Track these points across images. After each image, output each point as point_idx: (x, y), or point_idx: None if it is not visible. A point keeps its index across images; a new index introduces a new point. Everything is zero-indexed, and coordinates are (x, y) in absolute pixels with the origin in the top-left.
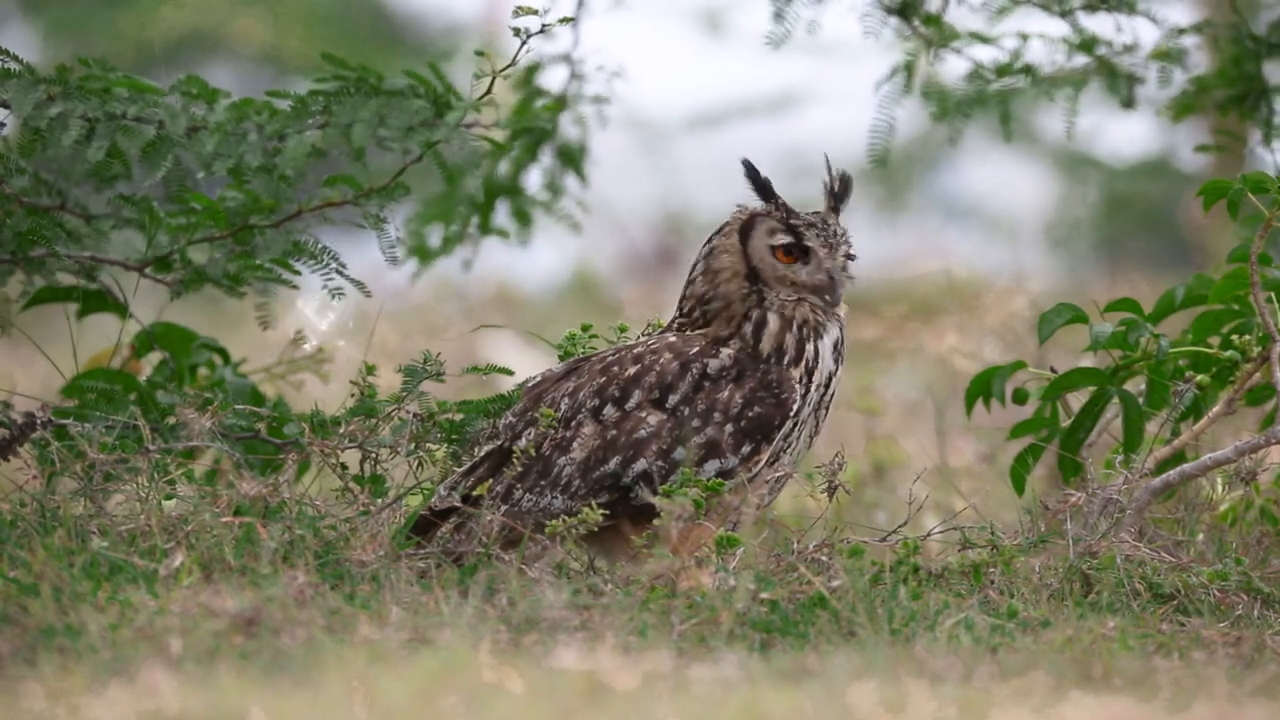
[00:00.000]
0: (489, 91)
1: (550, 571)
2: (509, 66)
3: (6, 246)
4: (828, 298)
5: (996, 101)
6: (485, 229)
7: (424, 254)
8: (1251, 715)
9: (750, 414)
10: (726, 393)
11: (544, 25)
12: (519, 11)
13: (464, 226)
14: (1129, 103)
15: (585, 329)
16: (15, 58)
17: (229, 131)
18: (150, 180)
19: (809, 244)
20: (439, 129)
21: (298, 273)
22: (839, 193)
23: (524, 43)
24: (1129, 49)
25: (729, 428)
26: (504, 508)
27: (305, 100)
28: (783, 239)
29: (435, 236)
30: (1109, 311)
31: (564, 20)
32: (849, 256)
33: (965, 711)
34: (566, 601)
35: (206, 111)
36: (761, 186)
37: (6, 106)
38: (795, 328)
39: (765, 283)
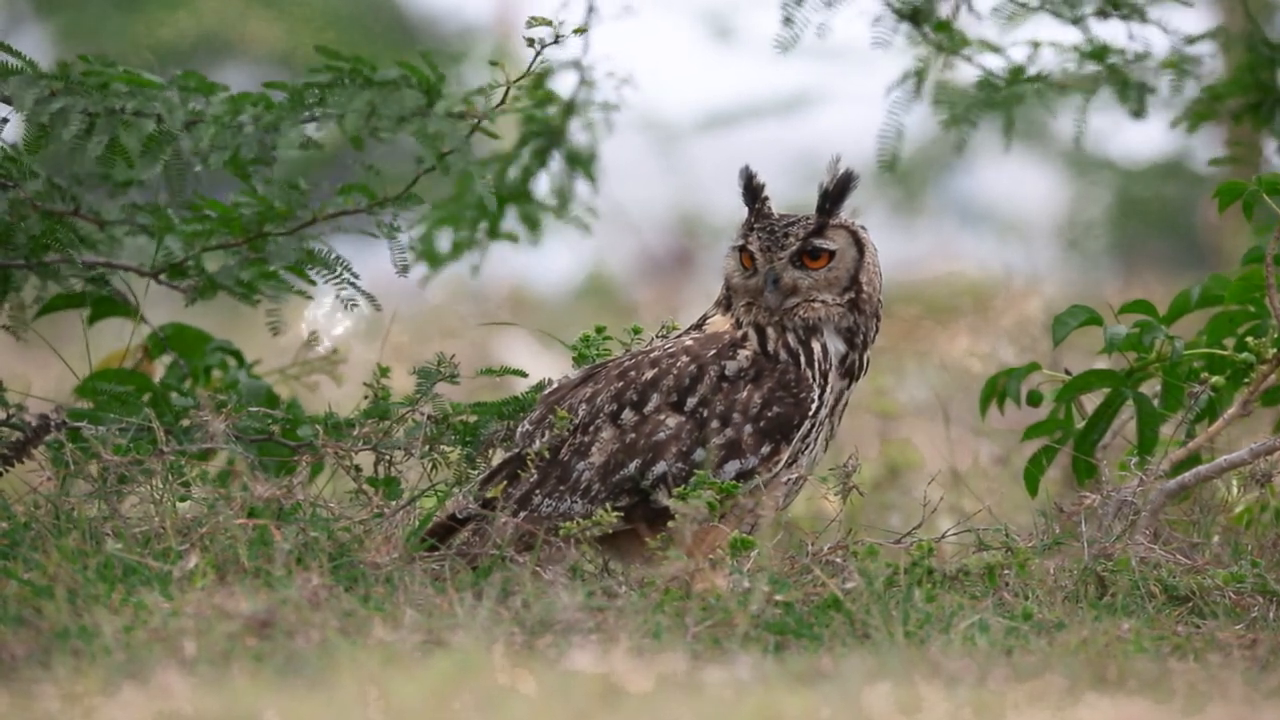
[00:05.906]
0: (504, 101)
1: (565, 574)
2: (523, 77)
3: (20, 251)
4: (761, 302)
5: (1004, 106)
6: (494, 234)
7: (433, 259)
8: (1267, 717)
9: (770, 414)
10: (745, 393)
11: (558, 36)
12: (533, 22)
13: (473, 231)
14: (1140, 113)
15: (599, 330)
16: (18, 54)
17: (225, 124)
18: (149, 173)
19: (750, 248)
20: (431, 119)
21: (312, 282)
22: (832, 191)
23: (538, 54)
24: (1140, 57)
25: (748, 428)
26: (523, 513)
27: (300, 91)
28: (737, 244)
29: (445, 241)
30: (1123, 313)
31: (578, 31)
32: (799, 259)
33: (980, 713)
34: (581, 604)
35: (204, 105)
36: (745, 191)
37: (9, 103)
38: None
39: (733, 291)
